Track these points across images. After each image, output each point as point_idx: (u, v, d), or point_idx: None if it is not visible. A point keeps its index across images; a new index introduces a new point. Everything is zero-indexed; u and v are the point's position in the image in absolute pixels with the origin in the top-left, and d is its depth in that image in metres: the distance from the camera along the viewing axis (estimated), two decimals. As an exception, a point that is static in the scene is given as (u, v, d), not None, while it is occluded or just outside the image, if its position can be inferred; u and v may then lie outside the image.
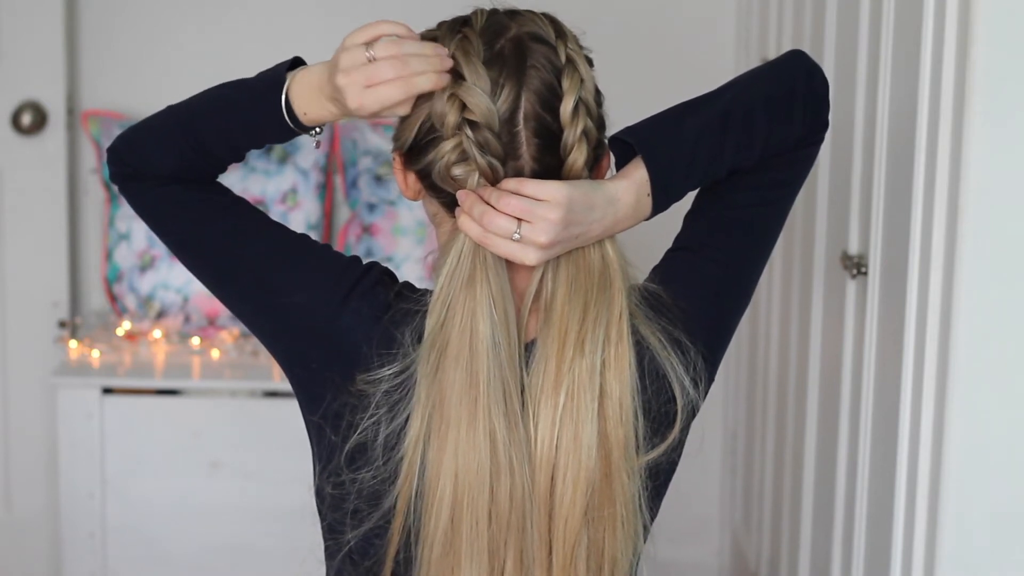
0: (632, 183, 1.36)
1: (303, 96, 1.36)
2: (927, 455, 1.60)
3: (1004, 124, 1.49)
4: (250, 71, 1.42)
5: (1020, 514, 1.56)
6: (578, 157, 1.35)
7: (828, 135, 2.19)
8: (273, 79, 1.37)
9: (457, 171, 1.34)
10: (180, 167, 1.41)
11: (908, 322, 1.64)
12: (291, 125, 1.37)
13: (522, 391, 1.35)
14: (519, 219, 1.32)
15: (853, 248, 2.00)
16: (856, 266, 1.95)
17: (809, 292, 2.32)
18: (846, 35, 2.10)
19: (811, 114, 1.42)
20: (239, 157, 1.43)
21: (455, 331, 1.33)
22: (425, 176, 1.37)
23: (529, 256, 1.33)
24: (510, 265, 1.37)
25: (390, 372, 1.35)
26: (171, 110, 1.43)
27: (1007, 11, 1.48)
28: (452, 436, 1.32)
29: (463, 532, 1.33)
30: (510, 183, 1.33)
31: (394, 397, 1.35)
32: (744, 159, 1.40)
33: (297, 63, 1.39)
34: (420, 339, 1.35)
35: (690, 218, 1.46)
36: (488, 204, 1.33)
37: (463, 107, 1.32)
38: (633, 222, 1.38)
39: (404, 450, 1.34)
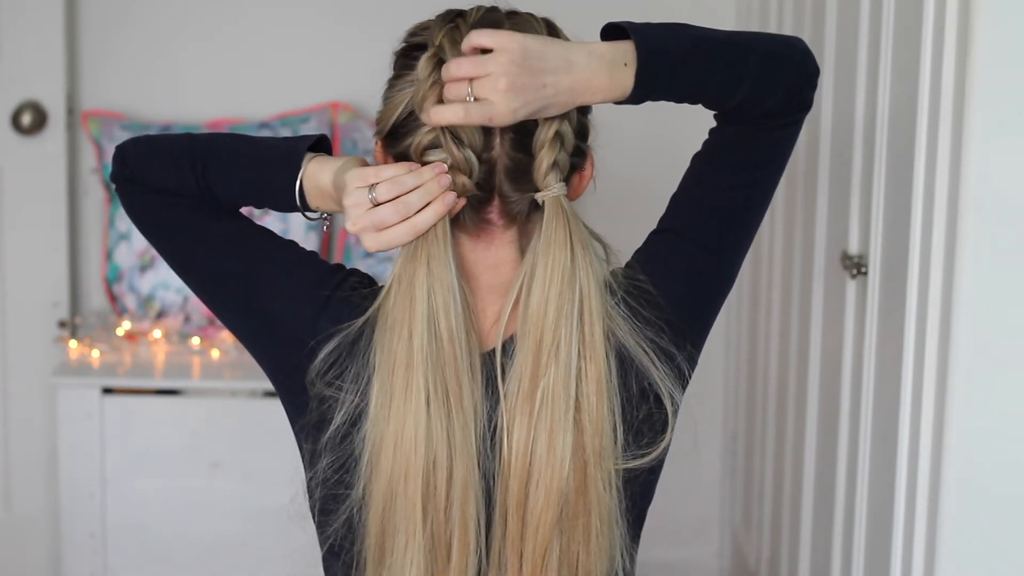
0: (612, 47, 1.32)
1: (312, 192, 1.38)
2: (927, 455, 1.60)
3: (1004, 123, 1.49)
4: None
5: (1020, 513, 1.56)
6: (545, 157, 1.33)
7: (828, 134, 2.20)
8: (292, 158, 1.38)
9: (431, 157, 1.33)
10: (180, 191, 1.43)
11: (908, 322, 1.64)
12: (303, 212, 1.39)
13: (494, 392, 1.34)
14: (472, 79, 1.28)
15: (853, 248, 2.00)
16: (856, 266, 1.95)
17: (809, 292, 2.32)
18: (846, 34, 2.10)
19: (797, 87, 1.40)
20: (238, 208, 1.45)
21: (397, 304, 1.34)
22: (401, 160, 1.36)
23: (496, 110, 1.28)
24: (492, 263, 1.38)
25: (331, 347, 1.36)
26: (190, 142, 1.44)
27: (1007, 11, 1.48)
28: (395, 407, 1.33)
29: (397, 502, 1.33)
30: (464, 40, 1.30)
31: (358, 383, 1.35)
32: (726, 94, 1.37)
33: (322, 141, 1.41)
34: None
35: (674, 200, 1.45)
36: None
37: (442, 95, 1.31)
38: (607, 92, 1.32)
39: (365, 428, 1.35)
